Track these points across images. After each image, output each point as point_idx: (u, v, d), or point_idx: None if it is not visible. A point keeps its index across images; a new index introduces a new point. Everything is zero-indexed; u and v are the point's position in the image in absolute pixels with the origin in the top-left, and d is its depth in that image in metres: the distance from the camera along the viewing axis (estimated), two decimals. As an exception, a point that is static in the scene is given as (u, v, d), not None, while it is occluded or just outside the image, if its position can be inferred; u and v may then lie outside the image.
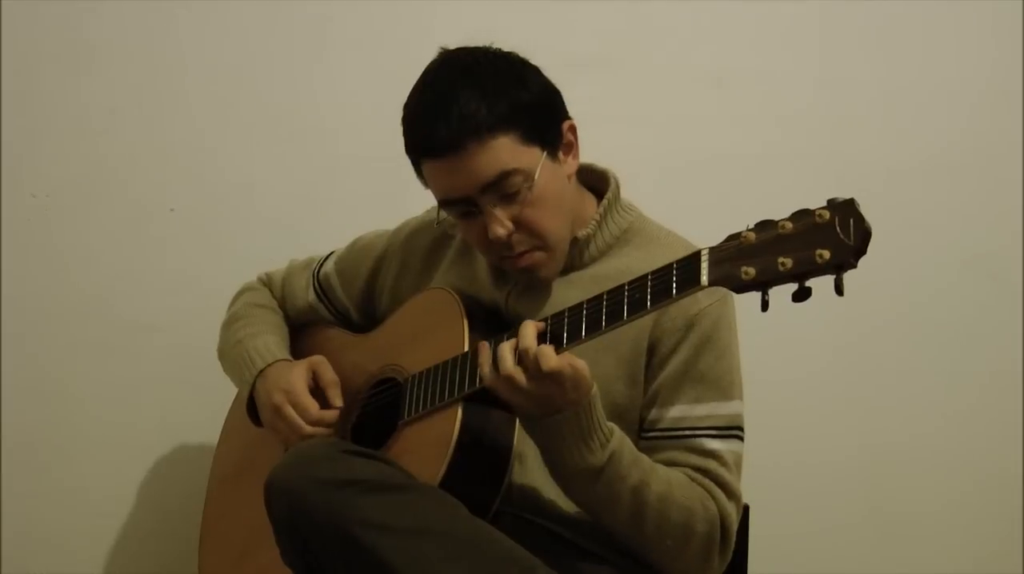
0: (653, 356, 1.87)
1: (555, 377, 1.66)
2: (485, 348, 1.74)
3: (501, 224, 1.84)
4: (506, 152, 1.81)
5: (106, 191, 2.55)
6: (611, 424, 1.76)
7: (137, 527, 2.56)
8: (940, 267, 2.73)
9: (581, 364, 1.69)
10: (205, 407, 2.39)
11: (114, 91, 2.55)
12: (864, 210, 1.45)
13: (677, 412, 1.86)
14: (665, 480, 1.78)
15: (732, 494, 1.84)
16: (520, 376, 1.68)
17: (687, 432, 1.85)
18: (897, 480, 2.74)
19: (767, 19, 2.69)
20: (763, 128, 2.69)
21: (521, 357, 1.68)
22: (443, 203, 1.89)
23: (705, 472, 1.83)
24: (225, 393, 2.26)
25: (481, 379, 1.74)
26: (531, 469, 1.87)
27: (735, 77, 2.68)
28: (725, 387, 1.87)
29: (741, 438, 1.88)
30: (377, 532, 1.60)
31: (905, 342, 2.74)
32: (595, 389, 1.72)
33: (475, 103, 1.80)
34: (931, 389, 2.74)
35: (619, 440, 1.75)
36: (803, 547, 2.68)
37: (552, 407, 1.70)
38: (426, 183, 1.90)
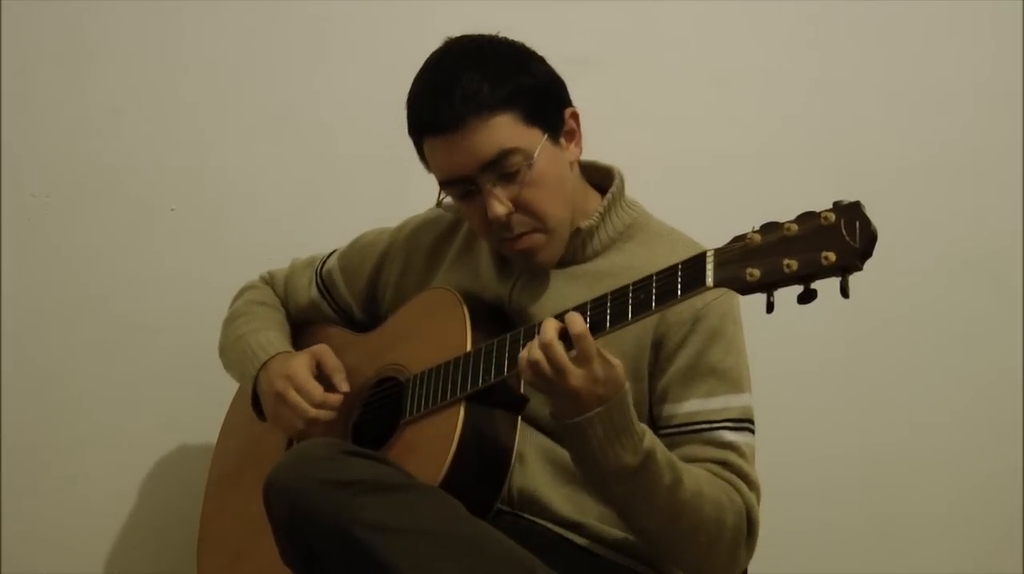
0: (660, 351, 1.87)
1: (581, 344, 1.63)
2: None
3: (501, 203, 1.84)
4: (507, 131, 1.82)
5: (106, 191, 2.55)
6: (642, 424, 1.74)
7: (137, 527, 2.56)
8: (940, 267, 2.73)
9: (616, 361, 1.68)
10: (205, 407, 2.39)
11: (115, 91, 2.55)
12: (870, 213, 1.45)
13: (691, 406, 1.86)
14: (694, 476, 1.77)
15: (753, 485, 1.84)
16: (546, 360, 1.65)
17: (703, 425, 1.85)
18: (897, 480, 2.74)
19: (767, 19, 2.69)
20: (763, 128, 2.69)
21: (545, 350, 1.65)
22: (444, 184, 1.90)
23: (725, 464, 1.83)
24: (225, 392, 2.26)
25: (515, 365, 1.71)
26: (532, 470, 1.87)
27: (735, 77, 2.68)
28: (736, 380, 1.87)
29: (753, 431, 1.88)
30: (377, 532, 1.60)
31: (905, 342, 2.74)
32: (627, 386, 1.70)
33: (477, 82, 1.81)
34: (931, 389, 2.74)
35: (651, 438, 1.73)
36: (803, 547, 2.68)
37: (585, 401, 1.66)
38: (428, 166, 1.91)
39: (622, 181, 1.99)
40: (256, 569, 1.96)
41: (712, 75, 2.69)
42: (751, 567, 1.99)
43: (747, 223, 1.55)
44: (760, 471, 1.90)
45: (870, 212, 1.47)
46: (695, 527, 1.77)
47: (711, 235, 1.61)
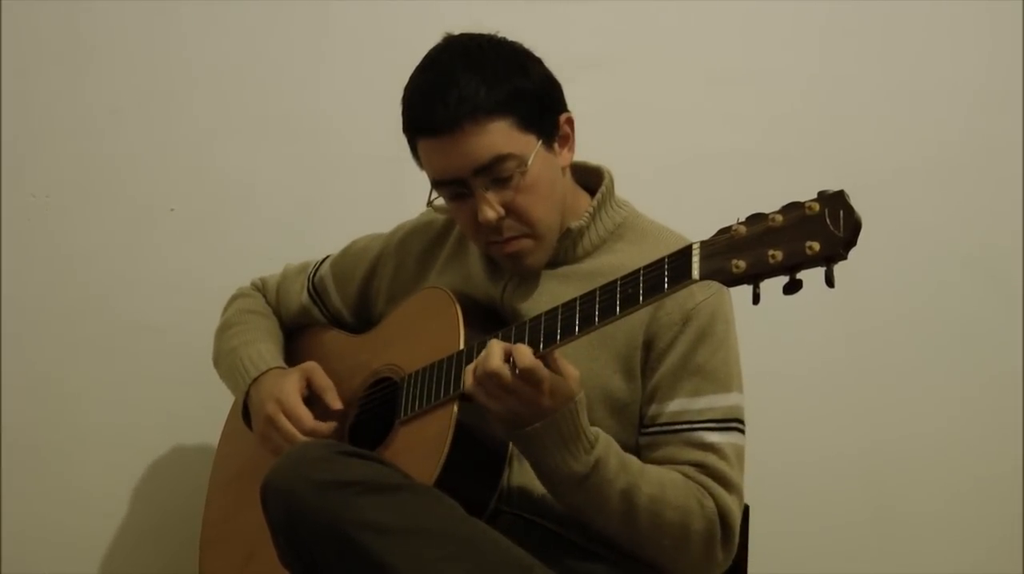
0: (650, 351, 1.87)
1: (530, 377, 1.66)
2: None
3: (492, 207, 1.84)
4: (502, 136, 1.82)
5: (106, 191, 2.55)
6: (595, 429, 1.76)
7: (137, 527, 2.56)
8: (940, 267, 2.73)
9: (569, 371, 1.70)
10: (205, 407, 2.39)
11: (115, 91, 2.55)
12: (854, 201, 1.45)
13: (676, 406, 1.86)
14: (657, 482, 1.78)
15: (731, 487, 1.84)
16: (497, 379, 1.68)
17: (685, 426, 1.85)
18: (896, 479, 2.74)
19: (766, 19, 2.69)
20: (762, 127, 2.69)
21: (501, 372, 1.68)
22: (436, 184, 1.91)
23: (702, 467, 1.83)
24: (225, 393, 2.26)
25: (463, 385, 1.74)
26: (529, 469, 1.86)
27: (734, 76, 2.68)
28: (723, 379, 1.87)
29: (741, 430, 1.87)
30: (374, 533, 1.60)
31: (905, 341, 2.73)
32: (580, 395, 1.72)
33: (475, 85, 1.81)
34: (930, 389, 2.73)
35: (604, 446, 1.75)
36: (803, 547, 2.68)
37: (530, 416, 1.69)
38: (420, 164, 1.91)
39: (611, 181, 1.99)
40: (262, 572, 1.95)
41: (713, 74, 2.68)
42: (751, 568, 1.99)
43: (739, 217, 1.55)
44: (759, 471, 1.91)
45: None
46: (654, 532, 1.78)
47: (711, 234, 1.60)
